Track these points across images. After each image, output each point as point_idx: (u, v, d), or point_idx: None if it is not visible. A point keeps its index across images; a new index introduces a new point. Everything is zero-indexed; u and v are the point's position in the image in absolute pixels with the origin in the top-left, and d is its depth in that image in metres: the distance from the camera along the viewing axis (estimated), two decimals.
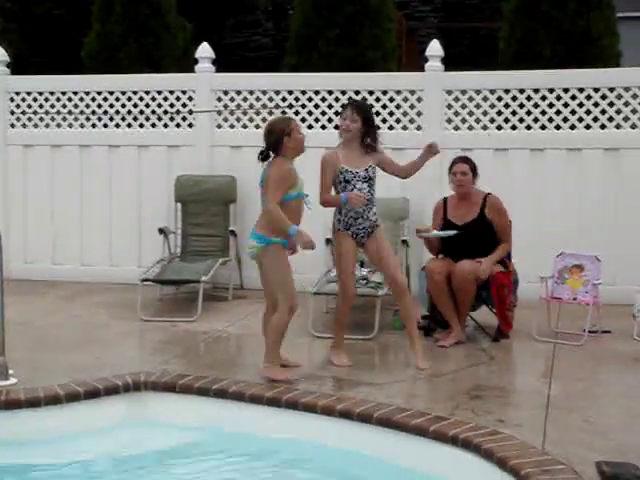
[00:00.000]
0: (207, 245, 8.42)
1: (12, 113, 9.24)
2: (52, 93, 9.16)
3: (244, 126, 8.82)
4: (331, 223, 6.23)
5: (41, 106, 9.20)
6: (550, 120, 8.15)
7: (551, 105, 8.13)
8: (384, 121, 8.47)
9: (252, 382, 5.63)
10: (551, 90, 8.13)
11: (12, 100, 9.23)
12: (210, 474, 4.95)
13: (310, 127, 8.47)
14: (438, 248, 6.94)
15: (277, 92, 8.72)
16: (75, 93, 9.11)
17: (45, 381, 5.63)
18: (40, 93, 9.18)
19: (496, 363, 6.31)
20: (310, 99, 8.60)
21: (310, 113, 8.60)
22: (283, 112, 8.59)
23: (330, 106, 8.54)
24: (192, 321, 7.35)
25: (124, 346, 6.79)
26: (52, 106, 9.17)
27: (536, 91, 8.16)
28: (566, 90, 8.10)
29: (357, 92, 8.50)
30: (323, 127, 8.58)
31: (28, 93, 9.20)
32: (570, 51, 9.74)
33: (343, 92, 8.52)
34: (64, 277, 9.01)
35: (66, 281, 8.92)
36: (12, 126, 9.25)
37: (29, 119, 9.23)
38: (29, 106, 9.21)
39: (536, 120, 8.18)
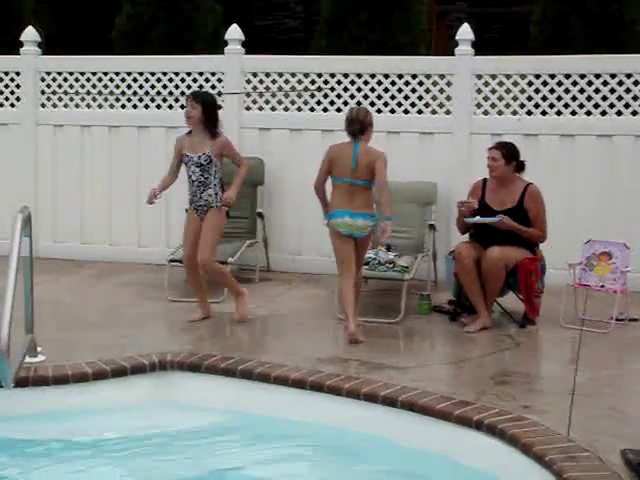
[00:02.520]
0: (234, 227, 8.41)
1: (43, 93, 9.29)
2: (82, 73, 9.18)
3: (272, 108, 8.80)
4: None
5: (71, 86, 9.22)
6: (581, 106, 8.08)
7: (582, 91, 8.05)
8: (413, 105, 8.43)
9: (277, 363, 5.65)
10: (582, 76, 8.06)
11: (43, 80, 9.28)
12: (233, 454, 4.99)
13: (339, 110, 8.44)
14: (466, 228, 6.94)
15: (306, 75, 8.69)
16: (105, 74, 9.12)
17: (73, 359, 5.68)
18: (70, 73, 9.20)
19: (522, 349, 6.29)
20: (339, 82, 8.57)
21: (339, 96, 8.57)
22: (312, 95, 8.58)
23: (359, 89, 8.49)
24: (219, 302, 7.38)
25: (151, 326, 6.83)
26: (82, 86, 9.18)
27: (567, 76, 8.08)
28: (598, 76, 8.02)
29: (386, 75, 8.45)
30: None
31: (59, 73, 9.23)
32: (602, 36, 9.63)
33: (372, 75, 8.48)
34: (92, 256, 9.06)
35: (94, 260, 8.98)
36: (43, 106, 9.31)
37: (59, 99, 9.27)
38: (59, 86, 9.24)
39: (567, 106, 8.11)
